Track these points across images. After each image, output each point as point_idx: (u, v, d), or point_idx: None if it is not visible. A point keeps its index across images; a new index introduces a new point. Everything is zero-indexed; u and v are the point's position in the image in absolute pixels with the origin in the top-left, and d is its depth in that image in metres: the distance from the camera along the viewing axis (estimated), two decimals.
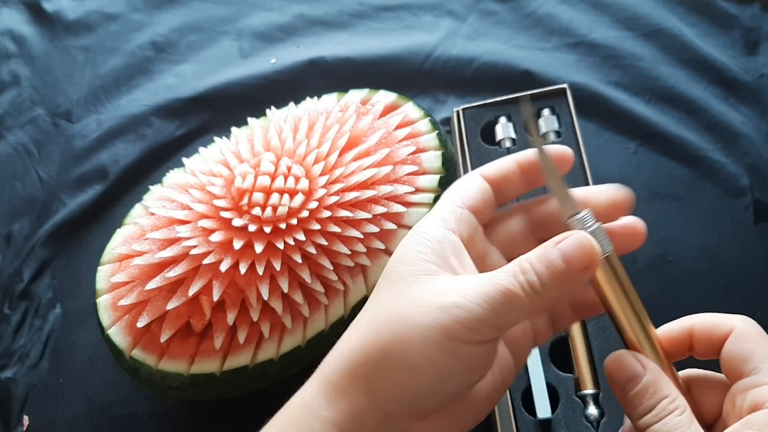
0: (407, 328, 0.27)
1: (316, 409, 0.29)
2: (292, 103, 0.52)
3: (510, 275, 0.27)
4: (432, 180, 0.48)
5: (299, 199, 0.44)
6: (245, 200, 0.44)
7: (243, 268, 0.43)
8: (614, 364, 0.29)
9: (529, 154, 0.33)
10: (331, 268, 0.44)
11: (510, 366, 0.32)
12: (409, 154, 0.48)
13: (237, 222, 0.43)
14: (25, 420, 0.53)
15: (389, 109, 0.51)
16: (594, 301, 0.31)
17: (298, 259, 0.43)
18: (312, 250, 0.43)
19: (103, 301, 0.47)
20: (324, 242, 0.44)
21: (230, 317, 0.44)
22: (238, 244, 0.43)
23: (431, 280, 0.29)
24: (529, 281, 0.27)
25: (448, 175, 0.49)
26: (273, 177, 0.45)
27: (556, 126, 0.56)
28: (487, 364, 0.29)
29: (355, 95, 0.52)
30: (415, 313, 0.28)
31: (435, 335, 0.27)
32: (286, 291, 0.43)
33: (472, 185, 0.32)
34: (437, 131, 0.50)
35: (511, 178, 0.33)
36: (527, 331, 0.32)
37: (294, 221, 0.43)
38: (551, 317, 0.33)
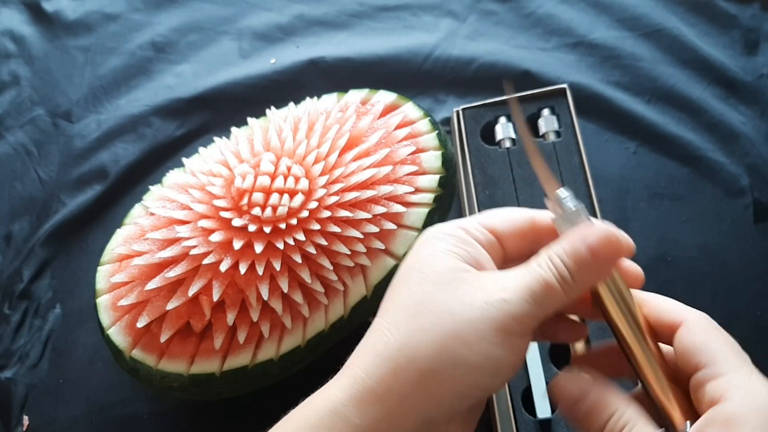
0: (457, 326, 0.28)
1: (347, 416, 0.28)
2: (291, 103, 0.52)
3: (547, 270, 0.28)
4: (432, 180, 0.48)
5: (299, 199, 0.44)
6: (245, 200, 0.44)
7: (243, 268, 0.43)
8: (558, 387, 0.30)
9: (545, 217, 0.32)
10: (331, 268, 0.44)
11: None
12: (409, 154, 0.48)
13: (237, 222, 0.43)
14: (25, 420, 0.53)
15: (389, 109, 0.51)
16: (562, 333, 0.33)
17: (298, 259, 0.43)
18: (312, 250, 0.43)
19: (103, 301, 0.47)
20: (324, 242, 0.44)
21: (230, 317, 0.44)
22: (237, 244, 0.43)
23: (470, 276, 0.29)
24: (562, 275, 0.28)
25: (448, 175, 0.49)
26: (273, 177, 0.45)
27: (556, 126, 0.56)
28: (524, 359, 0.30)
29: (355, 95, 0.52)
30: (463, 310, 0.28)
31: (489, 330, 0.27)
32: (286, 291, 0.43)
33: (512, 218, 0.32)
34: (437, 131, 0.50)
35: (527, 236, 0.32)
36: None
37: (294, 221, 0.43)
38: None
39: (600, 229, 0.29)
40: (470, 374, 0.28)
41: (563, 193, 0.30)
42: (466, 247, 0.30)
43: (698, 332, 0.28)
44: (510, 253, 0.32)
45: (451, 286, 0.29)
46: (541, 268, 0.28)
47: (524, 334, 0.28)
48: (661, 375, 0.30)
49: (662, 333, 0.30)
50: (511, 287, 0.28)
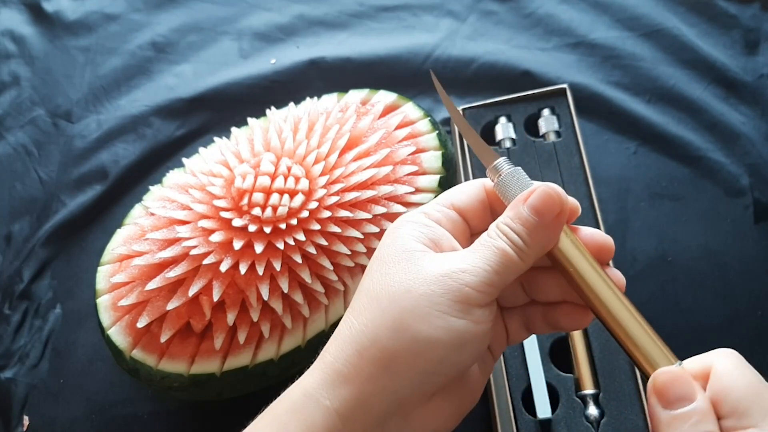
0: (414, 302, 0.28)
1: (317, 398, 0.29)
2: (292, 104, 0.52)
3: (497, 238, 0.29)
4: (432, 180, 0.48)
5: (299, 199, 0.44)
6: (245, 200, 0.44)
7: (243, 268, 0.43)
8: (670, 379, 0.28)
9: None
10: (331, 268, 0.44)
11: (490, 359, 0.33)
12: (409, 155, 0.48)
13: (237, 222, 0.43)
14: (25, 420, 0.53)
15: (389, 110, 0.51)
16: (565, 318, 0.32)
17: (298, 259, 0.43)
18: (312, 250, 0.43)
19: (103, 302, 0.47)
20: (324, 242, 0.44)
21: (230, 317, 0.44)
22: (238, 245, 0.43)
23: (426, 255, 0.29)
24: (513, 241, 0.29)
25: (448, 175, 0.49)
26: (273, 177, 0.45)
27: (556, 126, 0.56)
28: (489, 331, 0.30)
29: (355, 95, 0.52)
30: (418, 286, 0.28)
31: (447, 302, 0.28)
32: (286, 291, 0.43)
33: (467, 189, 0.33)
34: (437, 131, 0.50)
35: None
36: (502, 329, 0.33)
37: (294, 221, 0.43)
38: (524, 321, 0.33)
39: (537, 189, 0.29)
40: (431, 349, 0.28)
41: (500, 162, 0.31)
42: (423, 230, 0.30)
43: (722, 377, 0.27)
44: (475, 225, 0.33)
45: (407, 264, 0.29)
46: (492, 238, 0.29)
47: (485, 304, 0.29)
48: (633, 328, 0.29)
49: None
50: (468, 259, 0.29)
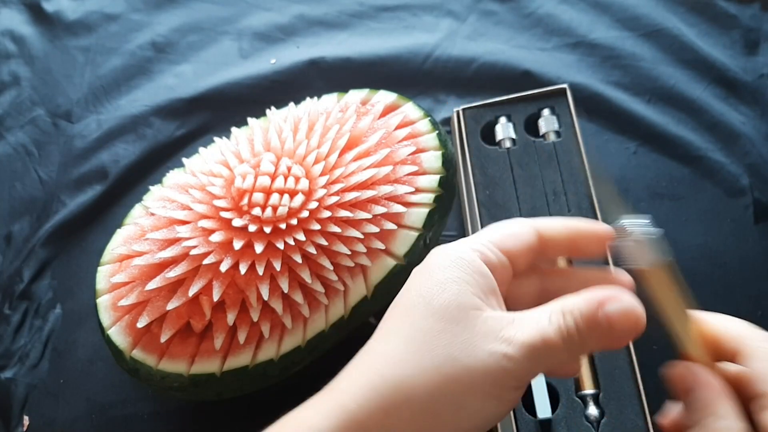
0: (457, 373, 0.27)
1: None
2: (292, 104, 0.52)
3: (555, 325, 0.27)
4: (432, 180, 0.48)
5: (299, 199, 0.44)
6: (245, 200, 0.44)
7: (243, 269, 0.43)
8: (676, 372, 0.29)
9: (583, 226, 0.32)
10: (331, 268, 0.44)
11: None
12: (409, 155, 0.48)
13: (237, 222, 0.43)
14: (25, 420, 0.53)
15: (389, 110, 0.51)
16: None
17: (298, 259, 0.43)
18: (312, 250, 0.43)
19: (103, 302, 0.47)
20: (324, 242, 0.44)
21: (230, 317, 0.44)
22: (238, 245, 0.43)
23: (477, 316, 0.28)
24: (570, 333, 0.27)
25: (448, 175, 0.49)
26: (273, 177, 0.45)
27: (556, 126, 0.56)
28: (516, 405, 0.30)
29: (355, 95, 0.52)
30: (465, 357, 0.27)
31: (487, 383, 0.27)
32: (286, 291, 0.43)
33: (519, 234, 0.31)
34: (437, 131, 0.50)
35: (560, 244, 0.32)
36: None
37: (294, 221, 0.43)
38: None
39: (622, 300, 0.27)
40: (467, 421, 0.27)
41: (629, 222, 0.29)
42: (478, 278, 0.29)
43: (762, 359, 0.28)
44: (518, 269, 0.31)
45: (457, 327, 0.28)
46: (550, 323, 0.27)
47: (519, 388, 0.28)
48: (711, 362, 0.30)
49: (725, 353, 0.29)
50: (516, 342, 0.27)
